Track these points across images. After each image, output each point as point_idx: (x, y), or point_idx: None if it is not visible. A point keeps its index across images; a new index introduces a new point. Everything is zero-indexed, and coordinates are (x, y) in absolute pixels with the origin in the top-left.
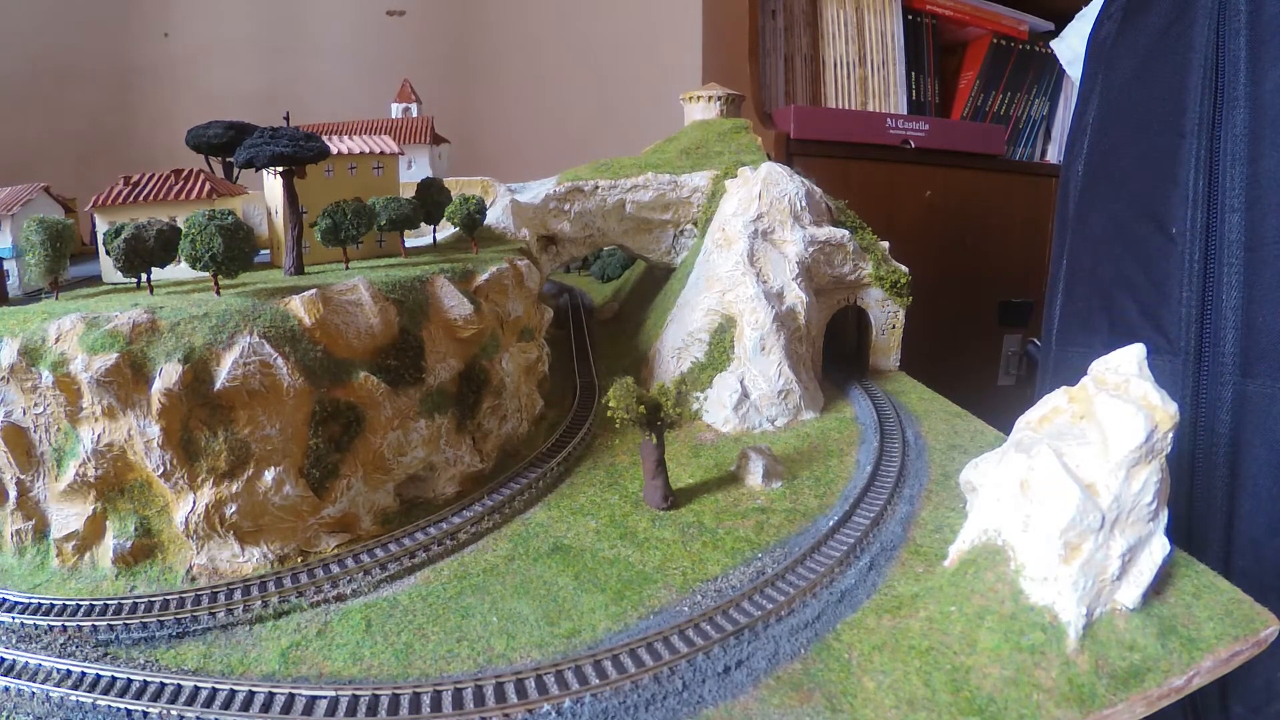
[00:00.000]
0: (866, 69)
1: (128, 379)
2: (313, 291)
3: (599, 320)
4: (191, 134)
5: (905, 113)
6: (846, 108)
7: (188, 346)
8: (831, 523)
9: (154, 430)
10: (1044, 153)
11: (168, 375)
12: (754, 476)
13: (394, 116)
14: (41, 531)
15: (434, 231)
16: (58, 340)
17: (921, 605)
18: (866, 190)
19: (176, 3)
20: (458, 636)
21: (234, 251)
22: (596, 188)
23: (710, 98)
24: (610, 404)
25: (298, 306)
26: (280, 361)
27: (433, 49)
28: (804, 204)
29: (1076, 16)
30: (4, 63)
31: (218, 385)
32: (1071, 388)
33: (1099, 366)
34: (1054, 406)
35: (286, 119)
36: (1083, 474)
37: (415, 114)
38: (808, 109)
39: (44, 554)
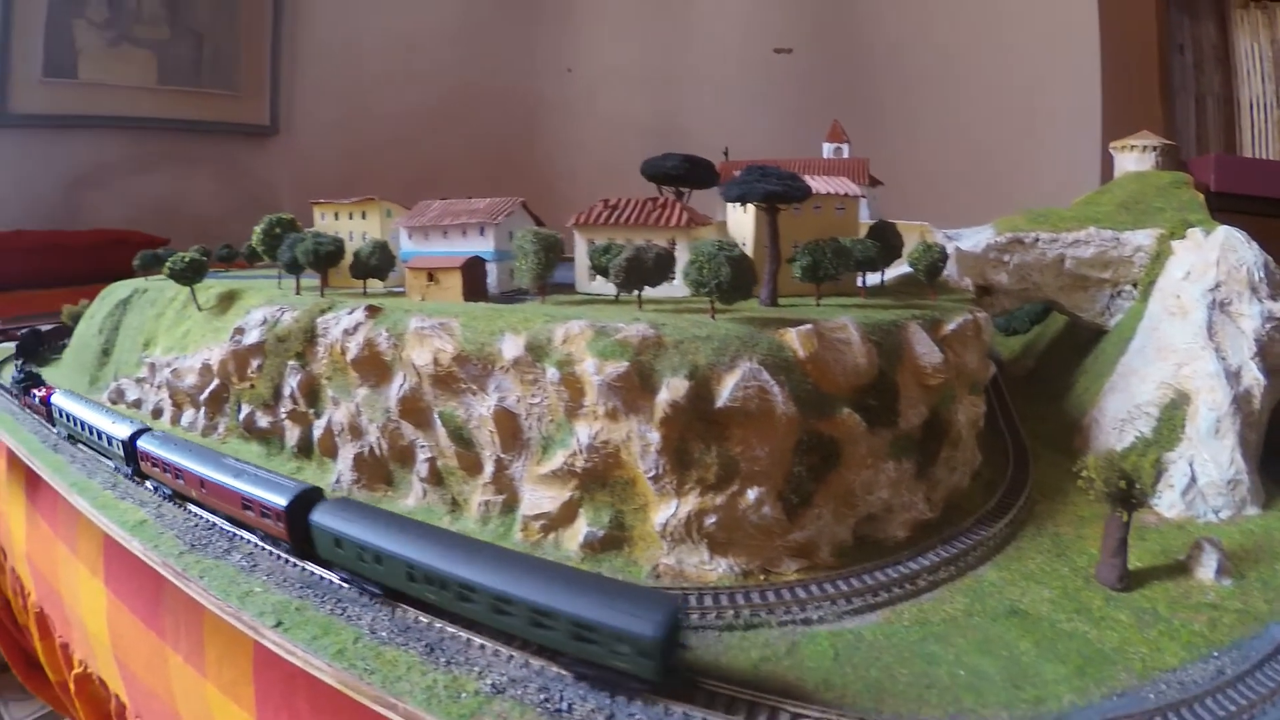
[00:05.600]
0: None
1: (635, 386)
2: (808, 326)
3: (1011, 375)
4: (649, 164)
5: None
6: (1265, 156)
7: (692, 364)
8: None
9: (654, 436)
10: None
11: (674, 388)
12: (1206, 570)
13: (826, 156)
14: (510, 506)
15: (881, 274)
16: (564, 342)
17: None
18: None
19: (579, 42)
20: (926, 683)
21: (739, 281)
22: (1037, 240)
23: (1145, 147)
24: (1088, 474)
25: (793, 339)
26: (776, 389)
27: (819, 87)
28: (1262, 275)
29: None
30: (426, 92)
31: (719, 404)
32: None
33: None
34: None
35: (726, 153)
36: None
37: (846, 154)
38: (1231, 158)
39: (508, 526)
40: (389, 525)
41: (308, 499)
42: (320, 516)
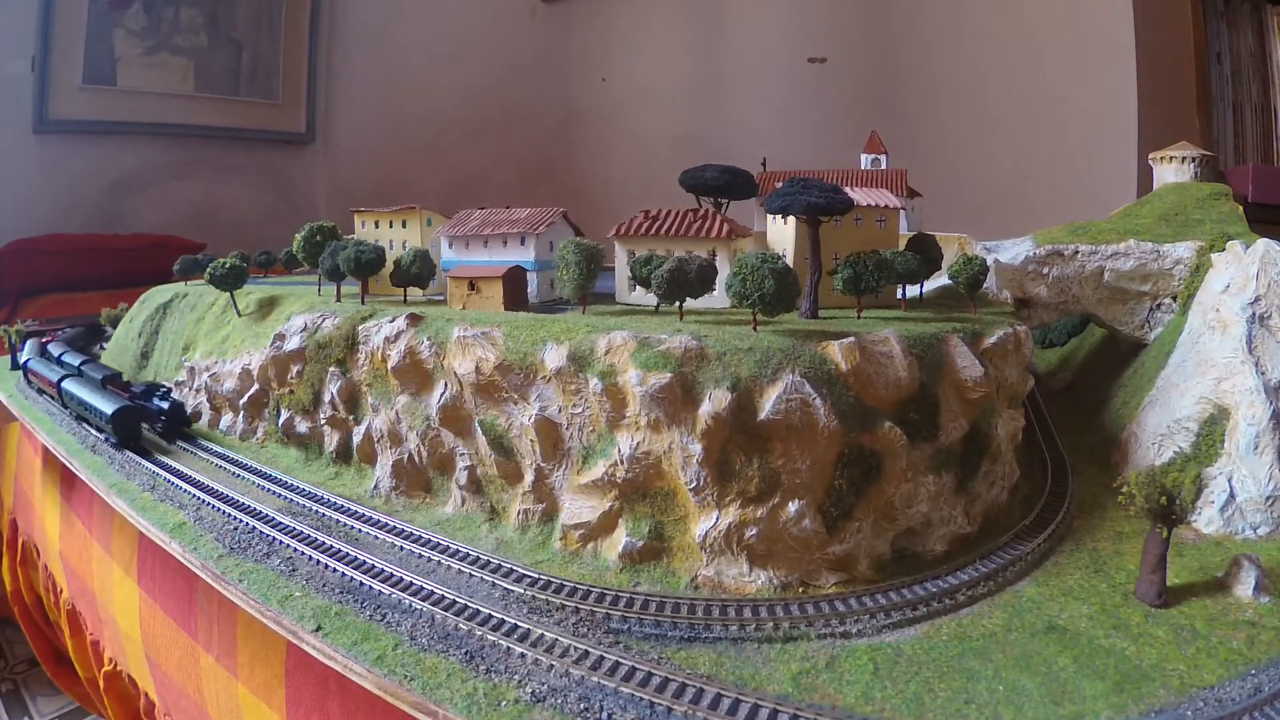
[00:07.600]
0: None
1: (678, 398)
2: (851, 339)
3: (1048, 389)
4: (687, 175)
5: None
6: None
7: (734, 376)
8: None
9: (696, 448)
10: None
11: (717, 400)
12: (1244, 587)
13: (864, 168)
14: (549, 516)
15: (920, 286)
16: (607, 353)
17: None
18: None
19: (615, 52)
20: (965, 698)
21: (783, 294)
22: (1076, 252)
23: (1184, 159)
24: (1129, 490)
25: (835, 352)
26: (819, 402)
27: (854, 96)
28: None
29: None
30: (461, 101)
31: (761, 416)
32: None
33: None
34: None
35: (764, 164)
36: None
37: (885, 165)
38: (1269, 169)
39: (547, 535)
40: (85, 383)
41: (66, 376)
42: (64, 384)
